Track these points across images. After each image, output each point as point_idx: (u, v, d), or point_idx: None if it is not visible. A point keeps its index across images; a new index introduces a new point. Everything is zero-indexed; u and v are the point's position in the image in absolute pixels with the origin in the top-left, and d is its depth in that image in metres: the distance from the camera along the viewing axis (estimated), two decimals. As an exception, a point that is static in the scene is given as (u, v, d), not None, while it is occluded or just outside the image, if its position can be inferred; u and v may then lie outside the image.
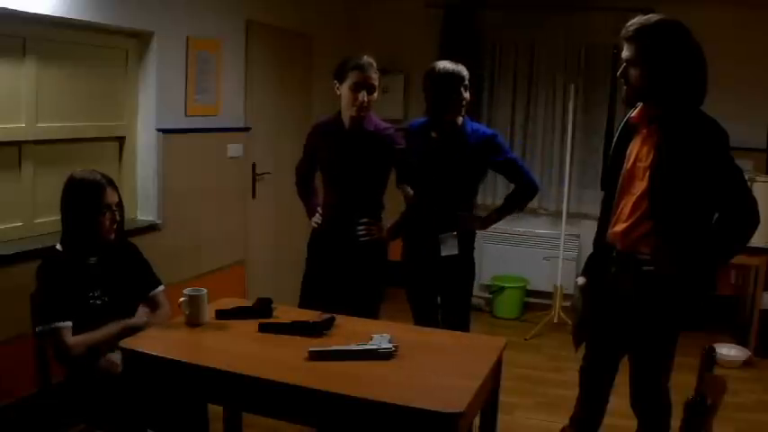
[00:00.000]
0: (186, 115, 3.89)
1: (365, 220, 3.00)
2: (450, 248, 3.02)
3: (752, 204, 2.20)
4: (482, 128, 3.13)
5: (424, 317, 3.11)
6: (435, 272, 3.09)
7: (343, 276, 3.01)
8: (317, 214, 3.10)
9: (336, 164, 3.01)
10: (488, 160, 3.06)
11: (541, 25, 5.25)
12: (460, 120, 3.03)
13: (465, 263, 3.09)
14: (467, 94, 2.98)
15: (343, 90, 2.92)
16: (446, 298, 3.13)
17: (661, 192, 2.22)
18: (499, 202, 3.53)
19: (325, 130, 3.07)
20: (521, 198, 3.14)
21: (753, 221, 2.19)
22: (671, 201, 2.21)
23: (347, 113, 2.96)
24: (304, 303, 2.98)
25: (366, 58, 2.93)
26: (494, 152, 3.03)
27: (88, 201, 2.45)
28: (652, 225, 2.25)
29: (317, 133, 3.12)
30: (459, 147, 2.99)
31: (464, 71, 2.98)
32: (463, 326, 3.08)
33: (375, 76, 2.93)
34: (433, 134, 3.03)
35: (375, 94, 2.93)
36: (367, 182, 3.02)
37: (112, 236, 2.52)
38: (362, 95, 2.88)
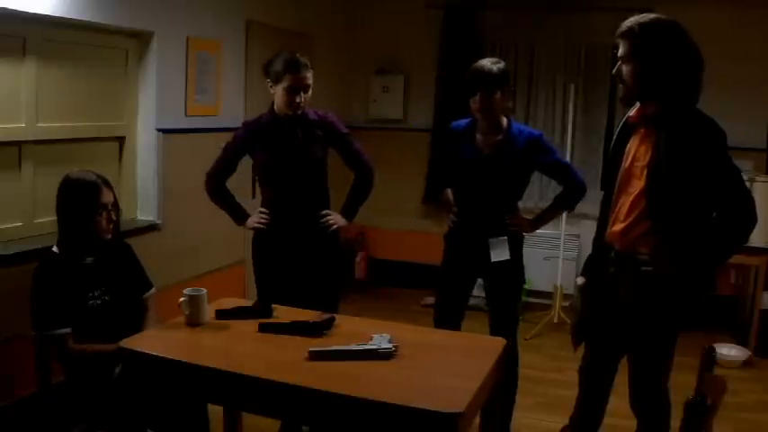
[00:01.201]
0: (186, 115, 3.89)
1: (326, 211, 3.01)
2: (501, 254, 2.95)
3: (750, 204, 2.20)
4: (527, 129, 3.03)
5: (448, 322, 3.03)
6: (483, 278, 3.07)
7: (302, 273, 2.99)
8: (260, 215, 3.01)
9: (285, 159, 2.94)
10: (536, 162, 2.98)
11: (541, 25, 5.25)
12: (505, 121, 2.95)
13: (515, 267, 3.02)
14: (498, 95, 2.83)
15: (278, 90, 2.89)
16: (496, 304, 3.07)
17: (659, 191, 2.22)
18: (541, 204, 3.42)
19: (261, 128, 2.99)
20: (570, 199, 3.07)
21: (751, 221, 2.19)
22: (669, 200, 2.21)
23: (283, 111, 2.91)
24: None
25: (299, 58, 2.86)
26: (542, 154, 2.95)
27: (84, 201, 2.45)
28: (650, 224, 2.25)
29: (251, 133, 3.01)
30: (507, 150, 2.90)
31: (495, 68, 2.83)
32: (513, 331, 3.05)
33: (309, 75, 2.88)
34: (479, 137, 2.94)
35: (310, 92, 2.91)
36: (318, 171, 3.00)
37: (109, 236, 2.52)
38: (299, 97, 2.86)
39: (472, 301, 3.22)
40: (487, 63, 2.86)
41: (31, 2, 2.87)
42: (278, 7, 4.66)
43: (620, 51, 2.24)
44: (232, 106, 4.30)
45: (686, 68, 2.18)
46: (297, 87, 2.84)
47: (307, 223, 2.98)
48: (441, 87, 5.47)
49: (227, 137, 4.26)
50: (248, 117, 3.07)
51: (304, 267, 3.00)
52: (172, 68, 3.75)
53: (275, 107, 2.95)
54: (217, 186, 3.13)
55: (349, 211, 3.11)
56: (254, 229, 3.06)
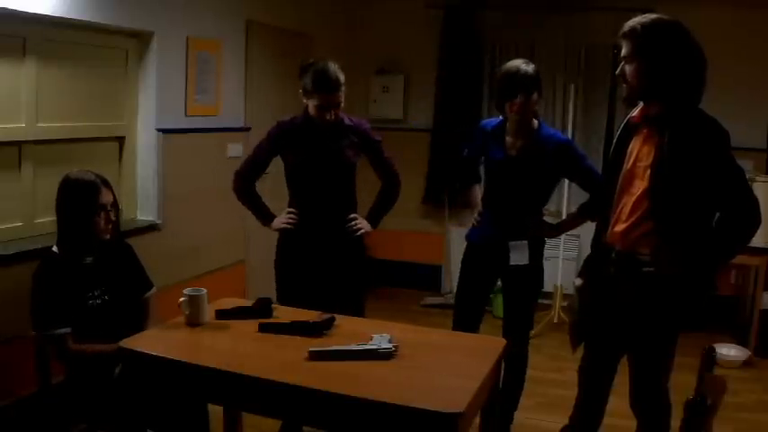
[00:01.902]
0: (186, 115, 3.89)
1: (354, 215, 2.99)
2: (520, 257, 2.92)
3: (754, 204, 2.20)
4: (557, 134, 3.03)
5: (467, 323, 3.03)
6: (502, 280, 3.06)
7: (326, 276, 2.97)
8: (288, 216, 2.97)
9: (317, 161, 2.91)
10: (565, 168, 2.97)
11: (541, 25, 5.25)
12: (536, 123, 2.93)
13: (534, 272, 3.00)
14: (535, 97, 2.83)
15: (310, 104, 2.86)
16: (511, 307, 3.06)
17: (662, 191, 2.22)
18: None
19: (295, 129, 2.95)
20: (597, 207, 2.90)
21: (755, 221, 2.19)
22: (672, 200, 2.21)
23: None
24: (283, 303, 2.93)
25: (331, 76, 2.80)
26: (571, 160, 2.92)
27: (83, 201, 2.45)
28: (652, 225, 2.25)
29: (284, 133, 2.97)
30: (536, 153, 2.88)
31: (529, 70, 2.82)
32: (525, 335, 3.05)
33: (341, 93, 2.83)
34: (508, 139, 2.93)
35: (341, 105, 2.88)
36: (348, 176, 2.99)
37: (108, 236, 2.52)
38: (330, 115, 2.84)
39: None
40: (522, 65, 2.84)
41: (31, 2, 2.87)
42: (278, 7, 4.66)
43: (623, 51, 2.25)
44: (232, 106, 4.30)
45: (689, 67, 2.18)
46: (327, 107, 2.82)
47: (333, 227, 2.96)
48: (441, 87, 5.46)
49: (227, 137, 4.30)
50: (283, 117, 3.03)
51: (329, 271, 2.98)
52: (172, 68, 3.75)
53: (309, 110, 2.91)
54: (245, 186, 3.07)
55: (375, 218, 3.10)
56: (280, 229, 3.01)
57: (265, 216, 3.06)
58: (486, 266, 3.04)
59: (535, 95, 2.83)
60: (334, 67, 2.83)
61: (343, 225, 2.98)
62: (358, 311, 2.88)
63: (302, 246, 2.98)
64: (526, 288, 3.04)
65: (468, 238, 3.12)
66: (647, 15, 2.22)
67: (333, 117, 2.85)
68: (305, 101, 2.89)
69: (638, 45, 2.20)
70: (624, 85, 2.29)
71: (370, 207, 3.12)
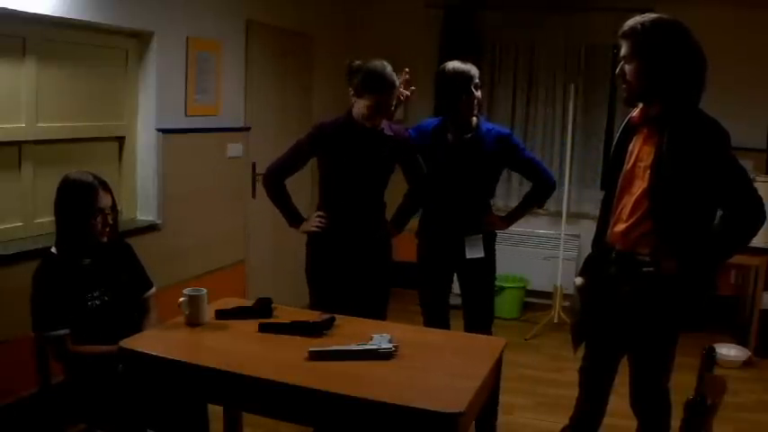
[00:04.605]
0: (186, 115, 3.89)
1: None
2: (476, 251, 3.04)
3: (759, 202, 2.19)
4: (497, 127, 3.12)
5: (437, 319, 3.12)
6: (458, 274, 3.13)
7: (352, 279, 2.97)
8: (318, 219, 2.94)
9: (354, 166, 2.89)
10: (506, 160, 3.08)
11: (541, 25, 5.25)
12: (475, 120, 3.02)
13: (488, 264, 3.11)
14: (478, 93, 2.97)
15: (359, 103, 2.81)
16: (471, 300, 3.15)
17: (661, 191, 2.22)
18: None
19: (335, 131, 2.89)
20: (539, 196, 3.18)
21: (759, 218, 2.19)
22: (671, 200, 2.21)
23: (361, 121, 2.84)
24: (317, 307, 2.92)
25: (386, 76, 2.76)
26: (511, 151, 3.05)
27: (80, 203, 2.44)
28: (652, 225, 2.25)
29: (324, 135, 2.91)
30: (476, 148, 2.99)
31: (474, 70, 2.96)
32: (488, 326, 3.12)
33: (394, 94, 2.82)
34: (450, 136, 3.02)
35: (392, 108, 2.89)
36: (383, 183, 3.00)
37: (105, 238, 2.51)
38: (380, 118, 2.83)
39: (452, 300, 3.26)
40: (462, 65, 2.95)
41: (31, 2, 2.87)
42: (278, 7, 4.66)
43: (623, 51, 2.24)
44: (232, 106, 4.30)
45: (689, 67, 2.18)
46: (378, 108, 2.79)
47: (364, 230, 2.97)
48: (441, 87, 5.46)
49: (227, 137, 4.30)
50: (325, 118, 3.00)
51: (357, 274, 2.98)
52: (172, 68, 3.75)
53: (354, 113, 2.86)
54: (276, 183, 3.01)
55: (400, 222, 3.13)
56: (310, 232, 2.98)
57: (294, 217, 3.02)
58: (443, 263, 3.13)
59: (479, 92, 2.97)
60: (389, 68, 2.82)
61: (372, 229, 2.99)
62: (381, 315, 2.92)
63: (332, 248, 2.96)
64: (484, 280, 3.14)
65: (418, 235, 3.21)
66: (646, 15, 2.22)
67: (380, 123, 2.85)
68: (352, 99, 2.84)
69: (637, 45, 2.20)
70: (624, 86, 2.29)
71: (397, 210, 3.12)
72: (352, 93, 2.83)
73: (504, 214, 3.31)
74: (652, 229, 2.25)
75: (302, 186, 3.08)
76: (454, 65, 2.98)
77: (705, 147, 2.16)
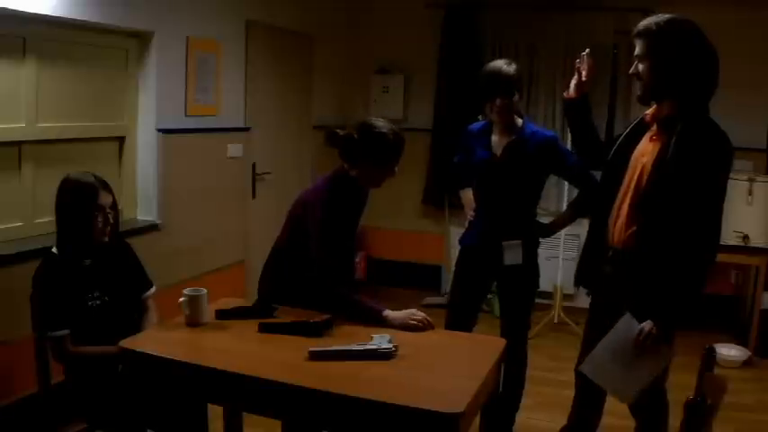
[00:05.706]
0: (186, 115, 3.89)
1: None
2: (513, 257, 2.92)
3: (715, 231, 2.20)
4: (542, 130, 3.00)
5: (459, 325, 3.00)
6: (497, 281, 3.09)
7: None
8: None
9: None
10: (551, 164, 2.95)
11: (541, 25, 5.25)
12: (520, 122, 2.93)
13: (529, 271, 3.00)
14: (516, 98, 2.84)
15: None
16: (507, 308, 3.08)
17: (652, 192, 2.23)
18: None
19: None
20: (587, 203, 2.90)
21: (710, 247, 2.20)
22: (659, 202, 2.22)
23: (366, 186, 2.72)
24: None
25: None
26: (556, 155, 2.91)
27: (81, 203, 2.44)
28: (643, 223, 2.26)
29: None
30: (520, 151, 2.88)
31: (506, 73, 2.80)
32: (523, 335, 3.06)
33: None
34: (494, 138, 2.94)
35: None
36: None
37: (105, 238, 2.51)
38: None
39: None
40: (503, 65, 2.83)
41: (31, 2, 2.87)
42: (278, 7, 4.66)
43: (637, 50, 2.27)
44: (232, 106, 4.30)
45: (702, 66, 2.19)
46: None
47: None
48: (441, 87, 5.47)
49: (227, 137, 4.30)
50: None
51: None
52: (172, 68, 3.75)
53: (359, 180, 2.65)
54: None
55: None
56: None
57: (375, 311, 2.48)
58: (480, 268, 3.03)
59: (516, 96, 2.84)
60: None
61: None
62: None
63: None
64: (522, 288, 3.03)
65: (460, 242, 3.12)
66: (660, 15, 2.24)
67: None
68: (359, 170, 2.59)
69: (652, 44, 2.21)
70: (638, 83, 2.30)
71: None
72: (365, 163, 2.56)
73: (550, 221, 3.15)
74: (644, 228, 2.26)
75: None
76: (490, 65, 2.88)
77: (703, 160, 2.16)
